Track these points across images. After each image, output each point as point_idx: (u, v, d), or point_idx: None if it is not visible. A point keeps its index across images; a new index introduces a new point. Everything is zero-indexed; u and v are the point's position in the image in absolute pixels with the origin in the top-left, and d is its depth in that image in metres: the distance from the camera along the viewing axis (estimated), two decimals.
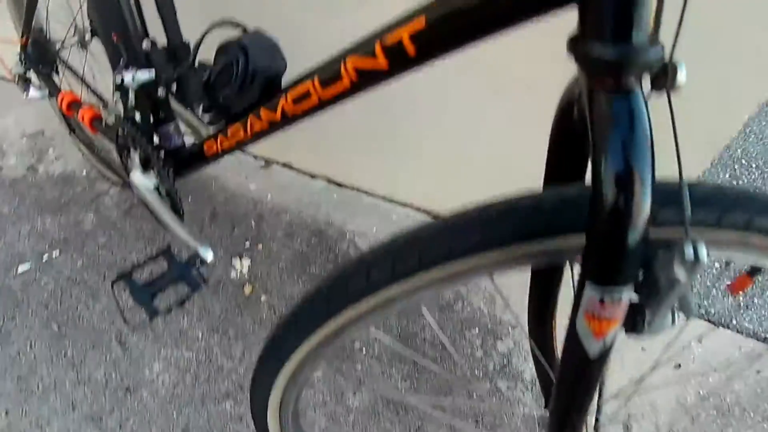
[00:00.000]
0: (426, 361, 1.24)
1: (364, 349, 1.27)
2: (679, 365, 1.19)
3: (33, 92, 1.34)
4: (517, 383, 1.23)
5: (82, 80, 1.18)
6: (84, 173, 1.60)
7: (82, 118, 1.16)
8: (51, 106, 1.54)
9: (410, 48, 0.48)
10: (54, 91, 1.31)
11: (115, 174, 1.40)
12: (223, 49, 0.73)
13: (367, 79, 0.54)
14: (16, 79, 1.36)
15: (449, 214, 0.52)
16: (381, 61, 0.51)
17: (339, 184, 1.58)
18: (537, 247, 0.48)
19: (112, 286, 1.00)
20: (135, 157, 1.03)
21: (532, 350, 0.72)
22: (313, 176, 1.60)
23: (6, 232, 1.47)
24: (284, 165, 1.63)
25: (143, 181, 1.03)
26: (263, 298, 1.34)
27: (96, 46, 1.24)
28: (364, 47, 0.53)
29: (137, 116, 0.99)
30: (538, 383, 1.22)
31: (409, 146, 1.42)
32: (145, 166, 1.03)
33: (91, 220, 1.49)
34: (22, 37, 1.29)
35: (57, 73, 1.35)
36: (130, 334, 1.27)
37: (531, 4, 0.41)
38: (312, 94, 0.61)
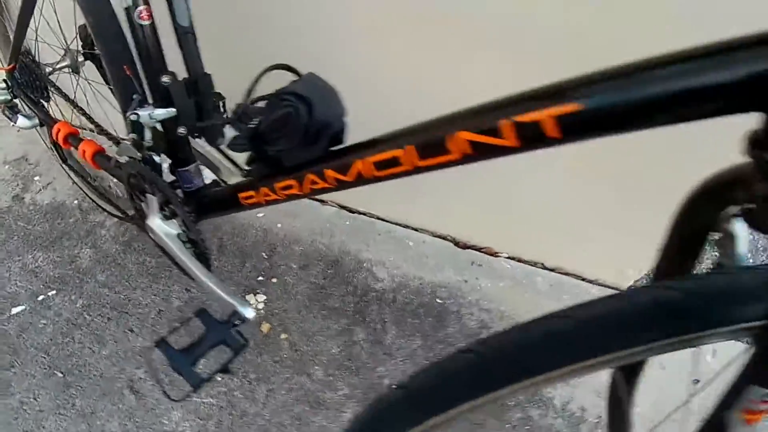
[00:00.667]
0: None
1: (394, 386, 1.21)
2: None
3: (22, 121, 1.22)
4: (548, 410, 1.21)
5: (81, 111, 1.07)
6: (75, 203, 1.48)
7: (83, 153, 1.05)
8: (37, 132, 1.42)
9: (553, 130, 0.42)
10: (46, 120, 1.20)
11: (115, 207, 1.29)
12: (278, 97, 0.66)
13: (484, 152, 0.48)
14: (2, 106, 1.24)
15: (580, 304, 0.46)
16: (508, 139, 0.45)
17: (351, 210, 1.51)
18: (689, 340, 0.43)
19: (148, 354, 0.89)
20: (153, 201, 0.94)
21: None
22: (323, 202, 1.52)
23: None
24: None
25: (164, 228, 0.94)
26: (283, 336, 1.26)
27: (89, 71, 1.14)
28: (481, 122, 0.47)
29: (155, 156, 0.90)
30: (568, 409, 1.21)
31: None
32: (164, 210, 0.94)
33: (87, 255, 1.37)
34: (9, 62, 1.17)
35: (48, 99, 1.23)
36: (143, 381, 1.17)
37: (709, 106, 0.36)
38: (404, 162, 0.55)
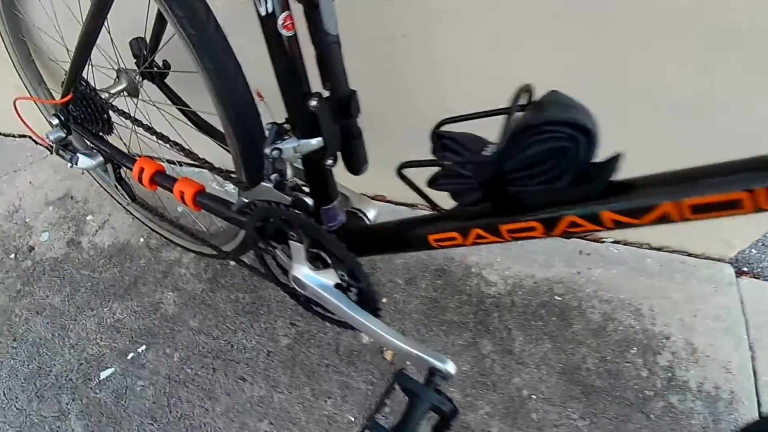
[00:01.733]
0: (597, 394, 1.10)
1: (533, 395, 1.11)
2: None
3: (84, 161, 1.04)
4: (687, 395, 1.13)
5: (167, 140, 0.89)
6: (142, 241, 1.30)
7: (180, 195, 0.88)
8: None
9: None
10: (113, 155, 1.01)
11: (204, 244, 1.11)
12: (536, 128, 0.51)
13: None
14: (56, 147, 1.04)
15: None
16: None
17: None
18: None
19: None
20: (298, 248, 0.78)
21: None
22: (412, 206, 1.38)
23: (69, 332, 1.17)
24: (376, 197, 1.39)
25: (317, 279, 0.78)
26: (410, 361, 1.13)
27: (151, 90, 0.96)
28: None
29: (305, 198, 0.74)
30: (704, 389, 1.14)
31: None
32: (315, 258, 0.79)
33: (171, 299, 1.21)
34: (64, 93, 0.97)
35: (110, 131, 1.04)
36: None
37: None
38: (747, 206, 0.41)
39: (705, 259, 1.35)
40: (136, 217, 1.27)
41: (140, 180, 0.93)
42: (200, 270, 1.25)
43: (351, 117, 0.74)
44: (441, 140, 0.61)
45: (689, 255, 1.36)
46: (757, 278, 1.32)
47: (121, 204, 1.27)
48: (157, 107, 1.04)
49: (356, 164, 0.78)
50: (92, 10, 0.80)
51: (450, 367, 0.71)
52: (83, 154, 1.04)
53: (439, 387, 0.71)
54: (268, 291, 1.21)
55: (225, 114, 0.77)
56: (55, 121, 1.02)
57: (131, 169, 0.96)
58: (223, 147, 0.96)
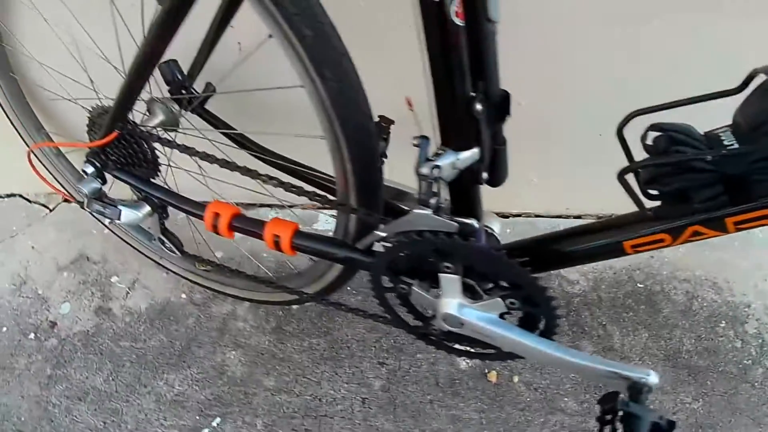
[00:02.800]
0: (703, 373, 1.06)
1: None
2: None
3: (128, 214, 0.87)
4: None
5: (253, 174, 0.73)
6: (184, 297, 1.12)
7: (274, 239, 0.73)
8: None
9: None
10: (171, 201, 0.84)
11: (281, 291, 0.95)
12: None
13: None
14: (88, 201, 0.86)
15: None
16: None
17: (505, 216, 1.28)
18: None
19: None
20: (452, 281, 0.65)
21: None
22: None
23: (124, 416, 0.98)
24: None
25: (479, 312, 0.66)
26: (515, 379, 1.03)
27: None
28: None
29: (473, 222, 0.62)
30: None
31: None
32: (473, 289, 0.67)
33: (236, 359, 1.04)
34: (105, 132, 0.79)
35: (156, 173, 0.86)
36: None
37: None
38: None
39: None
40: (173, 272, 1.09)
41: (215, 228, 0.77)
42: (260, 320, 1.08)
43: (503, 121, 0.63)
44: (665, 134, 0.51)
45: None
46: None
47: (151, 259, 1.09)
48: (210, 139, 0.88)
49: (499, 175, 0.67)
50: (164, 18, 0.63)
51: (655, 378, 0.61)
52: (125, 205, 0.86)
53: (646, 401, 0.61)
54: (344, 331, 1.07)
55: (344, 133, 0.63)
56: (90, 169, 0.84)
57: (195, 216, 0.80)
58: (306, 174, 0.82)
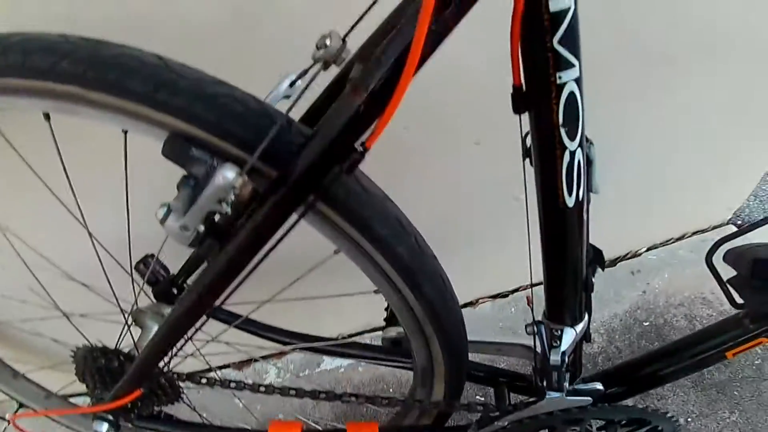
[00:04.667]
0: (729, 386, 1.13)
1: (688, 418, 1.08)
2: None
3: None
4: None
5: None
6: None
7: None
8: None
9: None
10: None
11: None
12: None
13: None
14: None
15: None
16: None
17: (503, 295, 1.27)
18: None
19: None
20: None
21: None
22: (472, 305, 1.24)
23: None
24: None
25: None
26: None
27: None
28: None
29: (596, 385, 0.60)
30: None
31: None
32: None
33: None
34: (131, 389, 0.65)
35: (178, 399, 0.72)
36: None
37: None
38: None
39: (713, 229, 1.46)
40: None
41: None
42: None
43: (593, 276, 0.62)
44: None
45: (701, 232, 1.45)
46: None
47: None
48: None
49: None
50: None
51: None
52: None
53: None
54: None
55: (442, 349, 0.57)
56: (104, 427, 0.68)
57: None
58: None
